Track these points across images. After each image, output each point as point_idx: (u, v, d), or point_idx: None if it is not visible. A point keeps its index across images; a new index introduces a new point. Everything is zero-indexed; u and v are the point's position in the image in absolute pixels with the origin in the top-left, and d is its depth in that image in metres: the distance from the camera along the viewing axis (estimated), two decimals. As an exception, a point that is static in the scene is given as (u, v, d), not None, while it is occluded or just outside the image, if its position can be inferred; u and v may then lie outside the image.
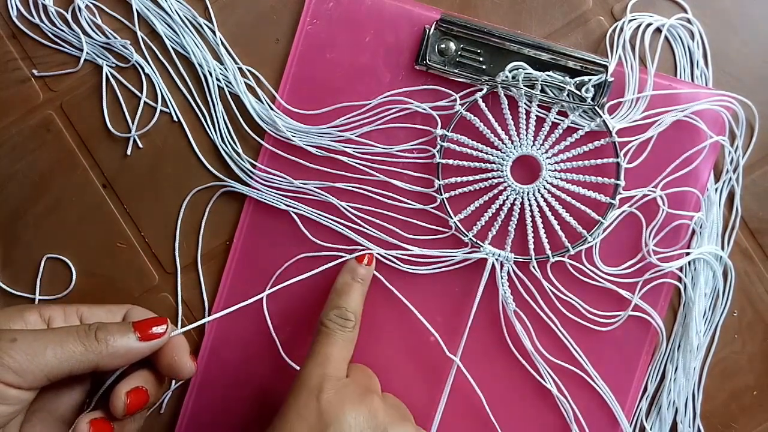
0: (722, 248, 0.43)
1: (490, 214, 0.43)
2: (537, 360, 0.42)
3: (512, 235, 0.42)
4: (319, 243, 0.43)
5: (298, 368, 0.43)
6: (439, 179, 0.43)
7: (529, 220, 0.42)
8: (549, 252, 0.42)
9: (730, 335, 0.44)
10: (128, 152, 0.45)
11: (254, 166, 0.44)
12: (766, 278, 0.44)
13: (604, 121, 0.41)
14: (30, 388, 0.32)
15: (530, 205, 0.42)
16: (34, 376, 0.32)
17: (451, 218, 0.43)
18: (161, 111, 0.44)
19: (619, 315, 0.42)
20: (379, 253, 0.43)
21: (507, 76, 0.42)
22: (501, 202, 0.43)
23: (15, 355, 0.32)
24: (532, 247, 0.42)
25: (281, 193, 0.44)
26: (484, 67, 0.42)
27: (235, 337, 0.44)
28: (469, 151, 0.42)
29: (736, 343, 0.44)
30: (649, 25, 0.43)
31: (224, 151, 0.44)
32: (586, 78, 0.41)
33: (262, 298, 0.43)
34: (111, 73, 0.44)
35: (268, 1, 0.44)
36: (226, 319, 0.44)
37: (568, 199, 0.42)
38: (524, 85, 0.41)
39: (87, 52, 0.44)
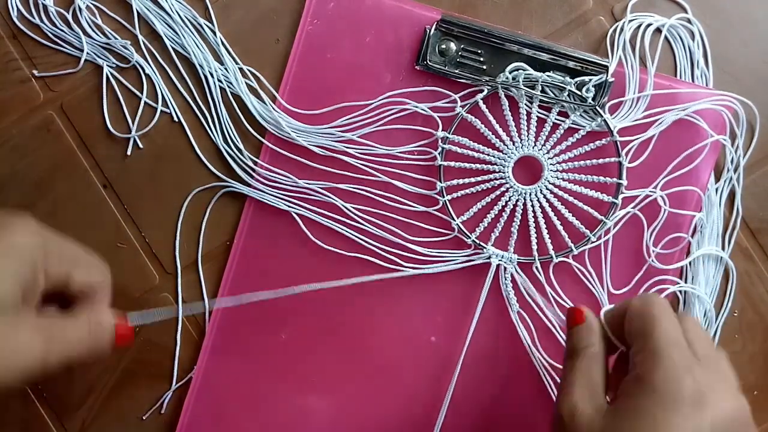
0: (723, 248, 0.43)
1: (493, 216, 0.43)
2: (539, 361, 0.42)
3: (515, 236, 0.42)
4: (320, 244, 0.43)
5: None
6: (441, 181, 0.43)
7: (531, 220, 0.42)
8: (552, 252, 0.42)
9: (731, 335, 0.44)
10: (128, 152, 0.45)
11: (255, 165, 0.44)
12: (766, 278, 0.44)
13: (605, 121, 0.41)
14: None
15: (533, 205, 0.42)
16: None
17: (454, 220, 0.43)
18: (161, 111, 0.44)
19: (621, 315, 0.42)
20: (379, 254, 0.43)
21: (507, 77, 0.42)
22: (503, 204, 0.43)
23: None
24: (535, 247, 0.42)
25: (282, 193, 0.44)
26: (484, 67, 0.42)
27: (236, 338, 0.44)
28: (470, 152, 0.42)
29: (737, 343, 0.44)
30: (649, 25, 0.43)
31: (225, 150, 0.44)
32: (586, 78, 0.41)
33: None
34: (111, 74, 0.44)
35: (269, 2, 0.44)
36: (227, 319, 0.44)
37: (571, 199, 0.42)
38: (525, 86, 0.41)
39: (87, 53, 0.44)
